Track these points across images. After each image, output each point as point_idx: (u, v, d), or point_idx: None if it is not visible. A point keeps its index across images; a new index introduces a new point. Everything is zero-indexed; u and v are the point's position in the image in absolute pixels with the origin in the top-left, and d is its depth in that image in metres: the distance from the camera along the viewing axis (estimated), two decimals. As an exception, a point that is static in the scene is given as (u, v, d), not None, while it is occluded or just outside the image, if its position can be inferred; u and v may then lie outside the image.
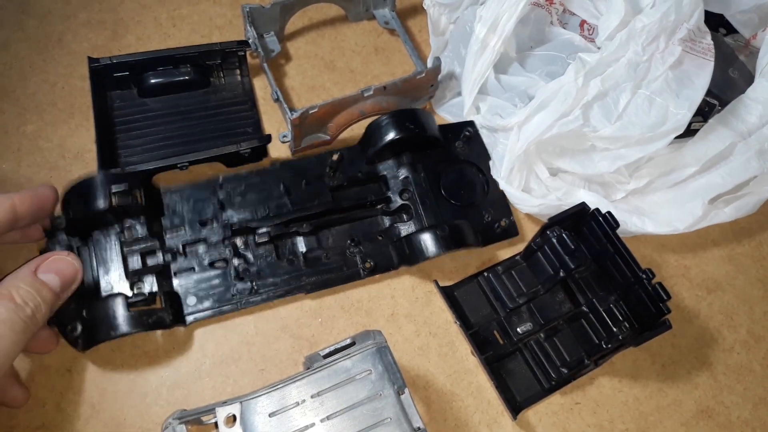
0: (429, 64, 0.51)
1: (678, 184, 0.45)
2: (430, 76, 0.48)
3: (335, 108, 0.46)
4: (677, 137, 0.42)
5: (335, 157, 0.45)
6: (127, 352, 0.40)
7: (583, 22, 0.51)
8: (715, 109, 0.47)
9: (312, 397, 0.33)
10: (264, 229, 0.43)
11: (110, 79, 0.47)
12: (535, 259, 0.43)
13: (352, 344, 0.36)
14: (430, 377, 0.42)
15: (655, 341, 0.42)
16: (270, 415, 0.32)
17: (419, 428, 0.33)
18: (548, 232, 0.42)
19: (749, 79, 0.47)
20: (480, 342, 0.42)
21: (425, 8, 0.51)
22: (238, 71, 0.50)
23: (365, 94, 0.46)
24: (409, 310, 0.44)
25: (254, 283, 0.42)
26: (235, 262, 0.43)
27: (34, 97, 0.49)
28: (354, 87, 0.52)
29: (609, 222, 0.40)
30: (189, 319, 0.41)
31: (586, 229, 0.42)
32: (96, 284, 0.40)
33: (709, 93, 0.43)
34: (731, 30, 0.51)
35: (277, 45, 0.51)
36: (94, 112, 0.45)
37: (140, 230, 0.41)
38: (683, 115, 0.42)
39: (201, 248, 0.43)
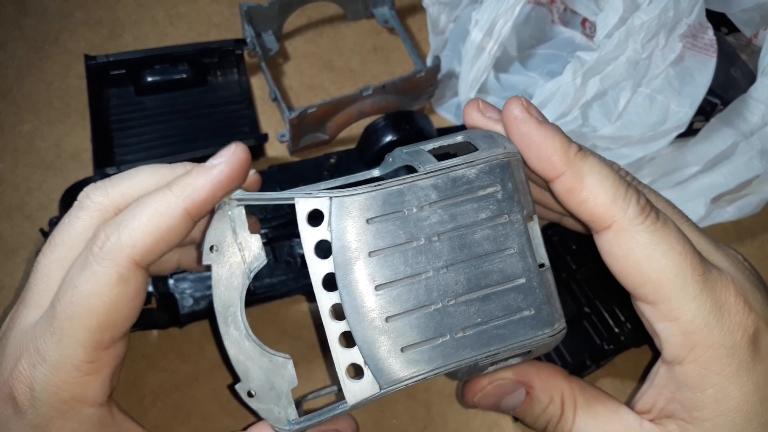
0: (428, 63, 0.51)
1: (680, 184, 0.45)
2: (430, 75, 0.48)
3: (334, 107, 0.46)
4: (679, 136, 0.42)
5: (332, 160, 0.45)
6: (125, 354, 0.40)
7: (584, 20, 0.51)
8: (717, 109, 0.47)
9: (421, 207, 0.26)
10: (263, 230, 0.43)
11: (107, 77, 0.47)
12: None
13: (467, 144, 0.28)
14: (431, 380, 0.41)
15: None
16: (368, 221, 0.25)
17: (544, 265, 0.28)
18: (549, 233, 0.41)
19: (751, 78, 0.47)
20: (480, 343, 0.41)
21: (425, 7, 0.51)
22: (235, 70, 0.50)
23: (364, 94, 0.46)
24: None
25: (251, 285, 0.42)
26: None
27: (31, 96, 0.49)
28: (353, 86, 0.51)
29: (611, 222, 0.40)
30: (185, 320, 0.40)
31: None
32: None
33: (710, 92, 0.43)
34: (733, 29, 0.51)
35: (275, 44, 0.51)
36: (91, 111, 0.45)
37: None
38: (685, 113, 0.41)
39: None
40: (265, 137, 0.46)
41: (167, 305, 0.40)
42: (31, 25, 0.52)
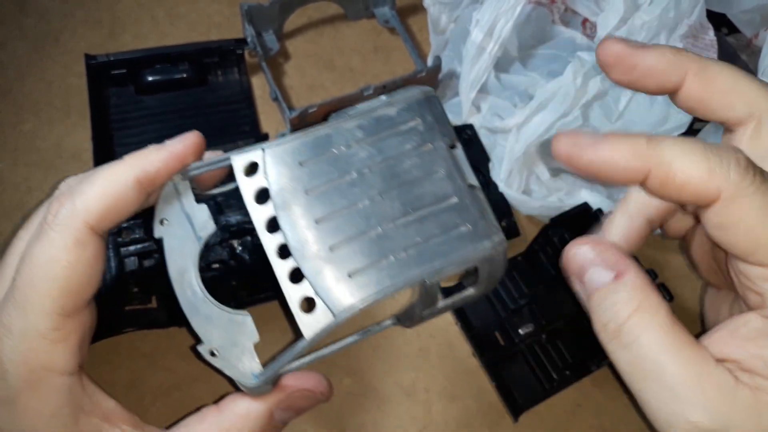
0: (429, 63, 0.51)
1: (680, 184, 0.45)
2: (431, 75, 0.48)
3: (334, 107, 0.46)
4: (679, 136, 0.42)
5: None
6: (124, 354, 0.40)
7: (585, 21, 0.51)
8: (718, 109, 0.47)
9: (349, 145, 0.28)
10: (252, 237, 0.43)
11: (107, 77, 0.47)
12: (536, 259, 0.43)
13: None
14: (431, 379, 0.41)
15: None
16: (301, 164, 0.27)
17: (473, 185, 0.28)
18: (550, 233, 0.41)
19: (751, 78, 0.47)
20: (481, 343, 0.41)
21: (425, 7, 0.51)
22: (236, 69, 0.50)
23: (365, 94, 0.46)
24: (408, 310, 0.43)
25: (252, 285, 0.42)
26: (232, 263, 0.42)
27: (31, 96, 0.49)
28: (354, 86, 0.51)
29: (611, 222, 0.40)
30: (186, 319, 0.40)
31: (588, 229, 0.41)
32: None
33: (711, 92, 0.43)
34: (733, 29, 0.51)
35: (276, 43, 0.51)
36: (91, 110, 0.45)
37: (137, 231, 0.41)
38: (685, 113, 0.41)
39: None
40: (265, 137, 0.46)
41: (167, 305, 0.40)
42: (31, 24, 0.52)
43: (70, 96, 0.49)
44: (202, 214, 0.29)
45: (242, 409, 0.28)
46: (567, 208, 0.41)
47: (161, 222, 0.29)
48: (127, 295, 0.39)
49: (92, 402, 0.28)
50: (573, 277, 0.28)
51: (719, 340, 0.26)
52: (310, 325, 0.25)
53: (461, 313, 0.43)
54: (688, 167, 0.25)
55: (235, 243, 0.43)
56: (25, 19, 0.53)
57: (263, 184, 0.27)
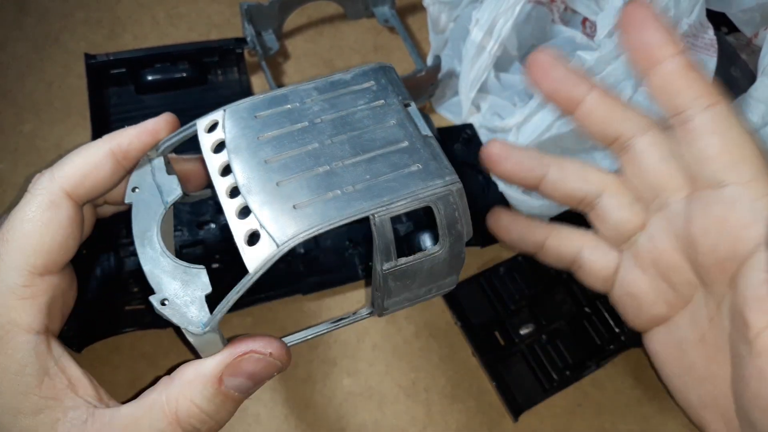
0: (429, 62, 0.51)
1: (680, 184, 0.45)
2: (430, 75, 0.48)
3: (334, 107, 0.46)
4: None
5: None
6: (125, 353, 0.40)
7: (585, 20, 0.51)
8: (718, 108, 0.47)
9: (303, 101, 0.29)
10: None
11: (107, 76, 0.47)
12: (536, 259, 0.43)
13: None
14: (431, 379, 0.41)
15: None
16: (256, 117, 0.28)
17: (427, 135, 0.29)
18: (549, 232, 0.41)
19: (751, 77, 0.47)
20: (481, 343, 0.41)
21: (425, 6, 0.51)
22: (236, 69, 0.50)
23: (364, 93, 0.45)
24: (408, 311, 0.43)
25: (253, 285, 0.42)
26: (232, 263, 0.42)
27: (31, 96, 0.49)
28: (353, 86, 0.51)
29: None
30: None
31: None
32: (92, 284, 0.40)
33: (711, 92, 0.43)
34: (733, 28, 0.51)
35: (276, 43, 0.51)
36: (91, 109, 0.45)
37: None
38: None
39: (198, 250, 0.42)
40: (265, 137, 0.46)
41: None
42: (31, 24, 0.52)
43: (70, 96, 0.49)
44: (171, 183, 0.30)
45: (190, 374, 0.28)
46: (567, 208, 0.41)
47: (133, 190, 0.30)
48: (127, 295, 0.39)
49: (58, 366, 0.28)
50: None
51: (760, 310, 0.25)
52: (254, 257, 0.25)
53: (461, 313, 0.42)
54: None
55: (235, 243, 0.43)
56: (25, 19, 0.53)
57: (221, 137, 0.28)
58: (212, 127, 0.28)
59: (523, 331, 0.42)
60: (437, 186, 0.27)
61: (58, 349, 0.28)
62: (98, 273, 0.40)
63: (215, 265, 0.42)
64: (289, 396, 0.40)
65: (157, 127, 0.30)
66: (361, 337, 0.42)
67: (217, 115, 0.28)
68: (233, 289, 0.26)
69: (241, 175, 0.27)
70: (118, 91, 0.48)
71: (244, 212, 0.26)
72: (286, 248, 0.25)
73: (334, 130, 0.28)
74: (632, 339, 0.40)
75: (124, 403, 0.29)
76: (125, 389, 0.39)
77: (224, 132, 0.28)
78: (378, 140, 0.28)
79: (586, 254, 0.34)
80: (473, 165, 0.48)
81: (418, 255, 0.28)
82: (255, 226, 0.26)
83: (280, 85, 0.51)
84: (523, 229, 0.36)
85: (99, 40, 0.52)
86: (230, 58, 0.49)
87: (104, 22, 0.53)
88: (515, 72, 0.49)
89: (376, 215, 0.26)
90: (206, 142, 0.28)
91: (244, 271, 0.41)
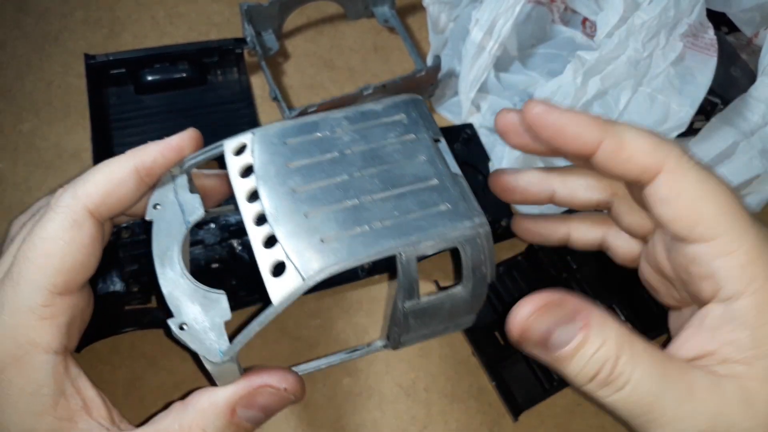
0: (429, 62, 0.51)
1: (680, 183, 0.45)
2: (430, 75, 0.48)
3: (334, 107, 0.45)
4: (679, 136, 0.42)
5: None
6: (125, 353, 0.40)
7: (585, 20, 0.51)
8: (718, 108, 0.47)
9: (334, 130, 0.28)
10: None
11: (107, 76, 0.47)
12: (536, 259, 0.43)
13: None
14: (431, 379, 0.41)
15: (657, 342, 0.42)
16: (286, 143, 0.28)
17: (456, 173, 0.28)
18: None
19: (752, 77, 0.47)
20: (481, 343, 0.41)
21: (425, 6, 0.51)
22: (235, 69, 0.50)
23: (365, 93, 0.45)
24: (408, 310, 0.43)
25: (250, 284, 0.42)
26: (232, 263, 0.42)
27: (31, 96, 0.49)
28: (353, 86, 0.51)
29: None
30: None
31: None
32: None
33: (711, 92, 0.43)
34: (733, 28, 0.51)
35: (275, 43, 0.51)
36: (90, 109, 0.45)
37: (137, 231, 0.41)
38: (685, 112, 0.41)
39: (197, 249, 0.42)
40: (265, 137, 0.46)
41: (167, 305, 0.40)
42: (30, 24, 0.52)
43: (70, 96, 0.49)
44: (193, 202, 0.30)
45: (204, 402, 0.28)
46: (566, 208, 0.41)
47: (154, 206, 0.30)
48: (127, 295, 0.39)
49: (74, 387, 0.28)
50: (533, 346, 0.27)
51: (688, 338, 0.27)
52: (278, 289, 0.25)
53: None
54: (637, 140, 0.27)
55: (234, 243, 0.43)
56: (25, 19, 0.53)
57: (249, 161, 0.27)
58: (240, 150, 0.28)
59: (523, 331, 0.42)
60: (466, 228, 0.26)
61: (74, 369, 0.28)
62: (98, 273, 0.40)
63: (215, 265, 0.42)
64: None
65: (182, 143, 0.30)
66: (360, 337, 0.42)
67: (245, 138, 0.28)
68: (255, 320, 0.26)
69: (268, 202, 0.26)
70: (118, 91, 0.48)
71: (270, 242, 0.26)
72: (311, 282, 0.25)
73: (363, 163, 0.27)
74: (632, 339, 0.40)
75: (138, 426, 0.29)
76: (125, 389, 0.39)
77: (252, 156, 0.27)
78: (407, 176, 0.27)
79: (610, 239, 0.34)
80: (473, 165, 0.48)
81: (441, 295, 0.28)
82: (281, 257, 0.25)
83: (279, 86, 0.51)
84: (545, 229, 0.36)
85: (99, 39, 0.52)
86: (230, 58, 0.49)
87: (104, 21, 0.53)
88: (515, 72, 0.49)
89: (402, 254, 0.26)
90: (233, 164, 0.28)
91: (244, 271, 0.41)
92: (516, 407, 0.40)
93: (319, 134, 0.28)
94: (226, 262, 0.42)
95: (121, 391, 0.39)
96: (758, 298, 0.25)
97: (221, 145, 0.28)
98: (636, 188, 0.29)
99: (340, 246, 0.25)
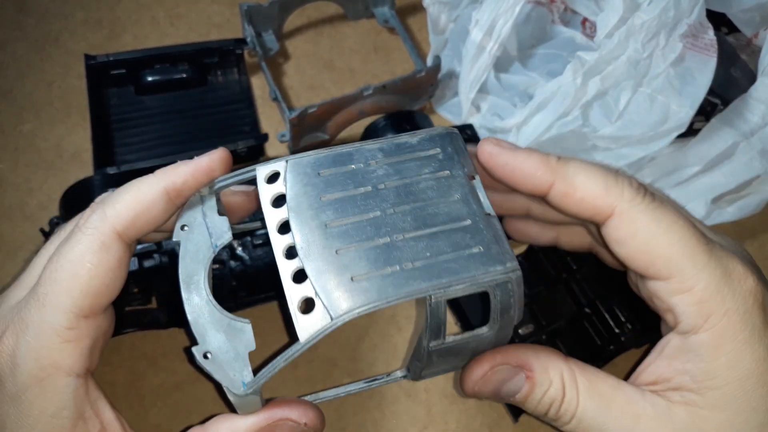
0: (429, 62, 0.51)
1: (680, 184, 0.45)
2: (430, 75, 0.48)
3: (334, 107, 0.46)
4: (679, 136, 0.42)
5: None
6: (125, 354, 0.40)
7: (584, 20, 0.51)
8: (718, 109, 0.47)
9: (368, 163, 0.28)
10: (262, 231, 0.43)
11: (107, 77, 0.47)
12: (536, 259, 0.43)
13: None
14: (431, 380, 0.41)
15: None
16: (320, 174, 0.28)
17: (490, 214, 0.28)
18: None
19: (752, 78, 0.47)
20: (480, 343, 0.41)
21: (425, 6, 0.51)
22: (235, 70, 0.50)
23: (365, 93, 0.45)
24: (409, 311, 0.43)
25: (252, 285, 0.42)
26: (232, 263, 0.42)
27: (31, 97, 0.49)
28: (353, 86, 0.51)
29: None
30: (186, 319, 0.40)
31: None
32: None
33: (711, 92, 0.43)
34: (733, 29, 0.51)
35: (276, 44, 0.51)
36: (91, 110, 0.45)
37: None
38: (685, 113, 0.41)
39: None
40: (265, 137, 0.46)
41: (167, 305, 0.40)
42: (31, 25, 0.52)
43: (70, 96, 0.49)
44: (221, 225, 0.29)
45: (225, 431, 0.28)
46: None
47: (182, 228, 0.29)
48: (127, 295, 0.39)
49: (93, 410, 0.28)
50: (491, 397, 0.30)
51: (649, 364, 0.29)
52: (306, 326, 0.25)
53: (461, 313, 0.42)
54: (587, 183, 0.28)
55: (235, 243, 0.43)
56: (25, 19, 0.53)
57: (281, 190, 0.27)
58: (273, 178, 0.28)
59: (523, 331, 0.42)
60: (497, 272, 0.26)
61: (95, 392, 0.28)
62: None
63: (215, 266, 0.42)
64: (289, 396, 0.40)
65: (212, 165, 0.29)
66: (360, 337, 0.42)
67: (278, 166, 0.28)
68: (281, 356, 0.26)
69: (299, 236, 0.26)
70: (118, 91, 0.48)
71: (300, 276, 0.26)
72: (340, 322, 0.25)
73: (397, 199, 0.27)
74: (632, 340, 0.40)
75: None
76: (125, 389, 0.39)
77: (285, 186, 0.27)
78: (441, 215, 0.27)
79: (597, 246, 0.35)
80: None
81: (467, 335, 0.28)
82: (310, 293, 0.25)
83: (279, 86, 0.51)
84: (533, 230, 0.37)
85: (99, 40, 0.52)
86: (230, 58, 0.49)
87: (104, 22, 0.53)
88: (515, 72, 0.49)
89: (432, 296, 0.25)
90: (266, 193, 0.27)
91: (245, 273, 0.41)
92: (516, 408, 0.39)
93: (353, 166, 0.28)
94: (226, 262, 0.42)
95: (121, 391, 0.39)
96: (714, 333, 0.26)
97: (253, 170, 0.28)
98: (593, 225, 0.30)
99: (370, 286, 0.25)
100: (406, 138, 0.29)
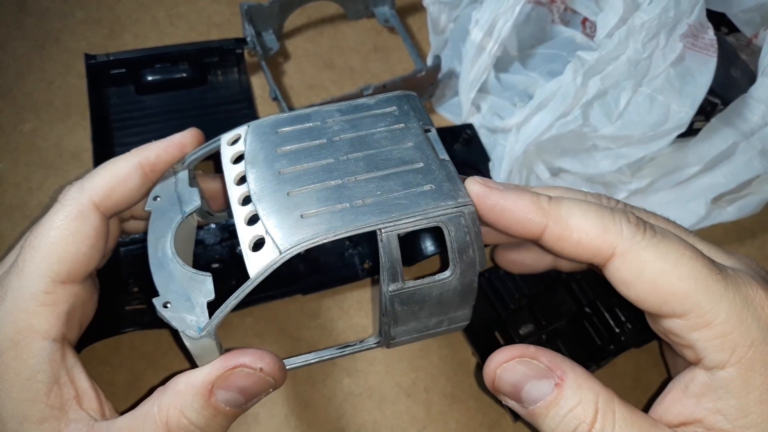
0: (429, 62, 0.51)
1: (680, 184, 0.45)
2: (430, 75, 0.48)
3: (334, 107, 0.46)
4: (679, 136, 0.42)
5: None
6: (125, 353, 0.40)
7: (584, 20, 0.51)
8: (718, 108, 0.47)
9: (325, 120, 0.29)
10: None
11: (107, 77, 0.47)
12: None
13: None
14: (431, 380, 0.41)
15: (657, 342, 0.42)
16: (278, 132, 0.29)
17: (445, 159, 0.28)
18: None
19: (751, 78, 0.47)
20: (481, 343, 0.41)
21: (425, 6, 0.51)
22: (235, 69, 0.50)
23: (365, 93, 0.45)
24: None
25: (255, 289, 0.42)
26: (232, 263, 0.42)
27: (31, 96, 0.49)
28: (353, 86, 0.51)
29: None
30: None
31: None
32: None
33: (711, 92, 0.43)
34: (733, 29, 0.51)
35: (276, 43, 0.51)
36: (91, 109, 0.45)
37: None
38: (685, 113, 0.41)
39: (198, 249, 0.42)
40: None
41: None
42: (31, 24, 0.52)
43: (70, 96, 0.49)
44: (191, 195, 0.31)
45: (181, 384, 0.28)
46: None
47: (154, 198, 0.31)
48: (127, 295, 0.39)
49: (68, 376, 0.28)
50: (505, 396, 0.27)
51: (674, 402, 0.26)
52: (256, 262, 0.26)
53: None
54: (583, 224, 0.26)
55: (235, 243, 0.43)
56: (25, 19, 0.53)
57: (241, 149, 0.29)
58: (235, 141, 0.29)
59: (523, 331, 0.42)
60: (449, 206, 0.26)
61: (71, 359, 0.28)
62: (98, 273, 0.40)
63: (215, 265, 0.42)
64: (289, 396, 0.40)
65: (183, 140, 0.31)
66: (361, 337, 0.42)
67: (240, 130, 0.29)
68: (233, 294, 0.26)
69: (254, 184, 0.27)
70: (118, 91, 0.48)
71: (253, 220, 0.27)
72: (288, 255, 0.25)
73: (350, 148, 0.28)
74: (632, 340, 0.40)
75: (122, 413, 0.29)
76: (125, 389, 0.39)
77: (245, 145, 0.29)
78: (393, 160, 0.28)
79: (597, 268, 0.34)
80: (473, 165, 0.48)
81: (427, 279, 0.27)
82: (261, 232, 0.26)
83: (280, 86, 0.51)
84: (529, 258, 0.36)
85: (99, 39, 0.52)
86: (230, 58, 0.49)
87: (104, 21, 0.53)
88: (515, 72, 0.49)
89: (383, 230, 0.26)
90: (227, 153, 0.29)
91: (245, 272, 0.41)
92: (516, 407, 0.40)
93: (310, 124, 0.29)
94: (226, 262, 0.42)
95: (121, 391, 0.39)
96: (742, 367, 0.25)
97: (219, 139, 0.30)
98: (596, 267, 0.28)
99: (319, 221, 0.26)
100: (364, 100, 0.30)
